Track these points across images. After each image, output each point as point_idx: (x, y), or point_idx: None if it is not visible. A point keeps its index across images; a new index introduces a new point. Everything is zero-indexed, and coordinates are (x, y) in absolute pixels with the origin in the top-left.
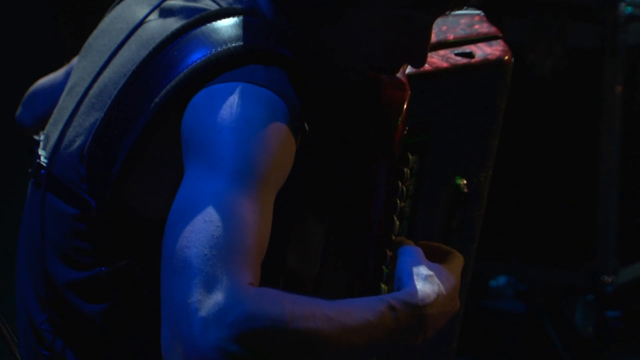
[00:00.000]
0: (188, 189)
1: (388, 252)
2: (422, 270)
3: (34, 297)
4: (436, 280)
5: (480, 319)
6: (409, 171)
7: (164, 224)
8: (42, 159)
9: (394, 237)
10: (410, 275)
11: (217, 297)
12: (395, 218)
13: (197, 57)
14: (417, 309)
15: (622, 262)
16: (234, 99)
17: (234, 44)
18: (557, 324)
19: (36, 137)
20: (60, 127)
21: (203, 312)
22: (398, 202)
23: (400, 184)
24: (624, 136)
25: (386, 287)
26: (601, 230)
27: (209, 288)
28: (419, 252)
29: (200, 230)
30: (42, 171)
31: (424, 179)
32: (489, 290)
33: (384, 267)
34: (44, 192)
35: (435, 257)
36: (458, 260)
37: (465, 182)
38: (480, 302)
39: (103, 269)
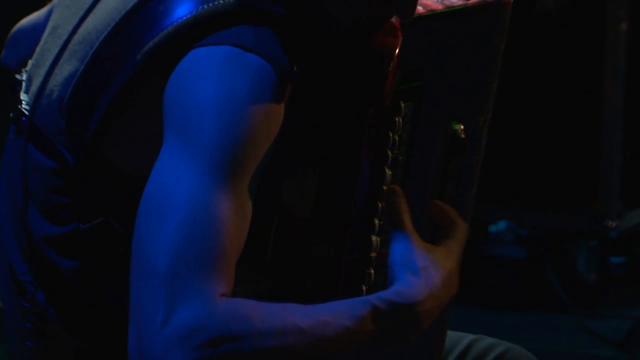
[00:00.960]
0: (164, 172)
1: (379, 204)
2: (415, 261)
3: (16, 247)
4: (430, 272)
5: (480, 265)
6: (401, 120)
7: (145, 180)
8: (24, 105)
9: (385, 188)
10: (402, 268)
11: (184, 313)
12: (387, 169)
13: (182, 13)
14: (408, 308)
15: (626, 206)
16: (220, 69)
17: (222, 1)
18: (559, 271)
19: (18, 77)
20: (42, 72)
21: (168, 330)
22: (389, 153)
23: (391, 134)
24: (629, 75)
25: (378, 239)
26: (604, 173)
27: (176, 302)
28: (412, 238)
29: (171, 234)
30: (24, 118)
31: (418, 126)
32: (488, 235)
33: (375, 219)
34: (26, 142)
35: (437, 224)
36: (460, 234)
37: (462, 127)
38: (480, 248)
39: (80, 225)
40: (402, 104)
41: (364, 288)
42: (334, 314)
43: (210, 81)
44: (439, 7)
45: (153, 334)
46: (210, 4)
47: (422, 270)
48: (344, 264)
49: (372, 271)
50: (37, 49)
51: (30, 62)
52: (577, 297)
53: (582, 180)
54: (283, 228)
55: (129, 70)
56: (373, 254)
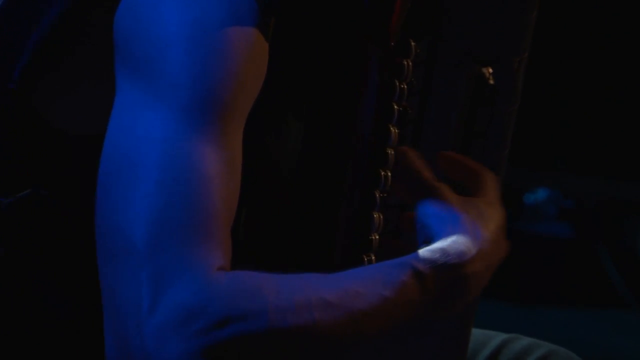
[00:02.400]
0: (126, 125)
1: (382, 172)
2: (454, 212)
3: None
4: (476, 223)
5: (514, 246)
6: (411, 63)
7: (90, 140)
8: None
9: (390, 152)
10: (439, 219)
11: (175, 294)
12: (392, 127)
13: None
14: (455, 270)
15: None
16: None
17: None
18: (615, 254)
19: None
20: None
21: (158, 317)
22: (395, 106)
23: (397, 82)
24: None
25: (380, 217)
26: None
27: (165, 282)
28: (442, 189)
29: (147, 197)
30: None
31: (434, 70)
32: (524, 208)
33: (377, 193)
34: None
35: (461, 181)
36: (492, 183)
37: (491, 70)
38: (513, 225)
39: (1, 199)
40: (413, 43)
41: None
42: (365, 282)
43: (174, 6)
44: None
45: (139, 325)
46: None
47: (467, 221)
48: (337, 250)
49: (373, 257)
50: None
51: None
52: (638, 288)
53: None
54: (259, 199)
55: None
56: (374, 236)
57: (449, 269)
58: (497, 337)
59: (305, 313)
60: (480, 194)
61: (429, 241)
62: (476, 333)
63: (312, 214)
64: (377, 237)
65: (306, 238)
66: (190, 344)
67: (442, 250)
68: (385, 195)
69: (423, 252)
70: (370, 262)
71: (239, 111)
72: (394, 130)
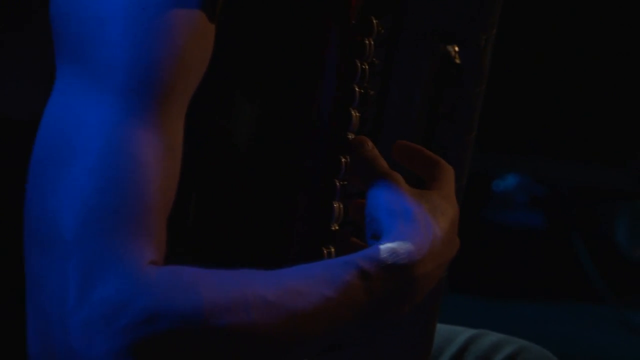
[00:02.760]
0: (60, 109)
1: (343, 159)
2: (407, 205)
3: None
4: (429, 219)
5: (481, 236)
6: (372, 42)
7: (30, 126)
8: None
9: (350, 136)
10: (390, 214)
11: (104, 287)
12: (353, 111)
13: None
14: (404, 271)
15: None
16: None
17: None
18: (591, 244)
19: None
20: None
21: (84, 312)
22: (356, 88)
23: (359, 62)
24: None
25: (340, 207)
26: None
27: (92, 274)
28: (397, 179)
29: (77, 184)
30: None
31: (397, 49)
32: (492, 196)
33: (337, 180)
34: None
35: (416, 172)
36: (449, 176)
37: (457, 49)
38: (481, 213)
39: None
40: (375, 21)
41: None
42: (307, 281)
43: None
44: None
45: (64, 319)
46: None
47: (419, 216)
48: (294, 241)
49: (333, 250)
50: None
51: None
52: (615, 281)
53: (624, 123)
54: (210, 183)
55: None
56: (335, 227)
57: (397, 270)
58: (464, 333)
59: (242, 312)
60: (435, 186)
61: (378, 236)
62: (441, 329)
63: (268, 202)
64: (337, 227)
65: (261, 227)
66: (116, 341)
67: (391, 250)
68: (345, 183)
69: (370, 250)
70: (330, 255)
71: (180, 95)
72: (354, 113)
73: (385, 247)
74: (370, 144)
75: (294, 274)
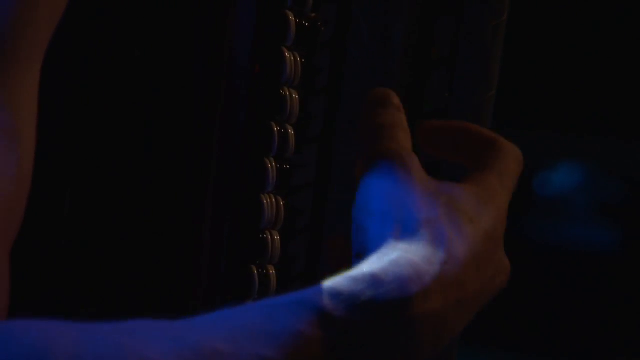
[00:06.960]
0: None
1: (275, 127)
2: (411, 207)
3: None
4: (445, 231)
5: (517, 262)
6: None
7: None
8: None
9: (284, 93)
10: (384, 220)
11: None
12: (288, 53)
13: None
14: (392, 311)
15: None
16: None
17: None
18: None
19: None
20: None
21: None
22: (290, 16)
23: None
24: None
25: (272, 201)
26: None
27: None
28: (407, 163)
29: None
30: None
31: None
32: (534, 201)
33: (268, 161)
34: None
35: (463, 152)
36: (504, 165)
37: None
38: (515, 228)
39: None
40: None
41: (255, 288)
42: (234, 336)
43: None
44: None
45: None
46: None
47: (426, 225)
48: (203, 257)
49: (273, 270)
50: None
51: None
52: None
53: None
54: (90, 179)
55: None
56: (268, 234)
57: (380, 311)
58: None
59: None
60: (473, 179)
61: (361, 254)
62: None
63: (167, 199)
64: (276, 236)
65: (160, 238)
66: None
67: (371, 278)
68: (288, 167)
69: (340, 280)
70: (266, 275)
71: (27, 53)
72: (289, 56)
73: (364, 273)
74: (396, 100)
75: (213, 325)
